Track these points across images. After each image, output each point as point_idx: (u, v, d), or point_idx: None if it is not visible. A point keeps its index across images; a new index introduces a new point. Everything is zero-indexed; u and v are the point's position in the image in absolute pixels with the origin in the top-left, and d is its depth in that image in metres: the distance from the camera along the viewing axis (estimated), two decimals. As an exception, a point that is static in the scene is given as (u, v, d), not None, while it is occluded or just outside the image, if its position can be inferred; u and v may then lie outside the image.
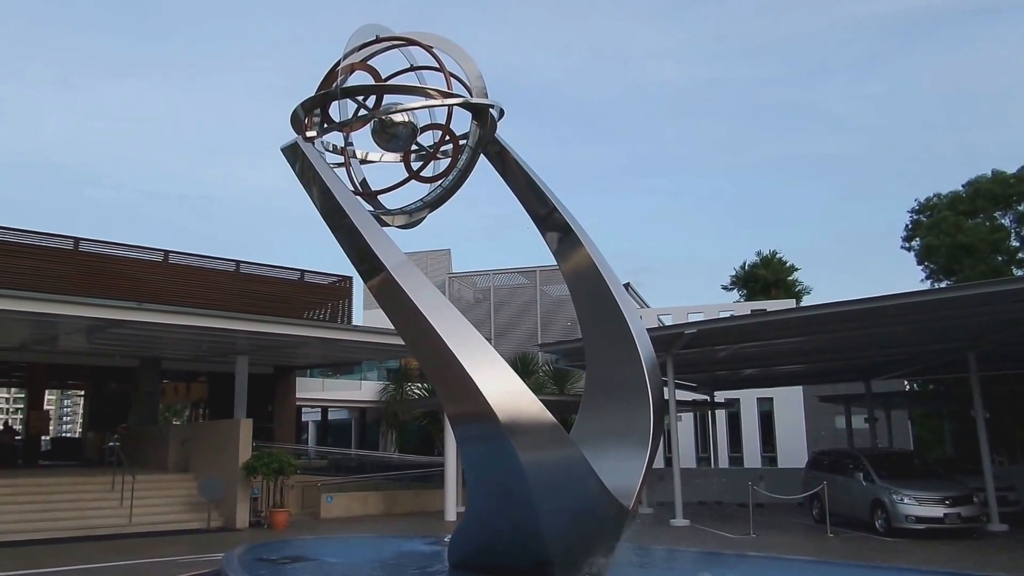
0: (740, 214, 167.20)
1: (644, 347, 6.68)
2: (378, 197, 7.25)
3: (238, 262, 25.30)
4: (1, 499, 16.42)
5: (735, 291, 48.84)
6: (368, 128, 6.95)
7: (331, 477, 23.92)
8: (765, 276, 47.09)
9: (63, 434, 70.20)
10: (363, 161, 7.59)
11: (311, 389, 32.05)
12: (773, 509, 21.73)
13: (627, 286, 44.20)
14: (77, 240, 22.18)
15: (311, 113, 6.82)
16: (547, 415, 5.52)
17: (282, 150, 6.62)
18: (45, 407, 34.36)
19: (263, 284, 25.52)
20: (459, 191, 7.20)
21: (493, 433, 5.35)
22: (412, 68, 7.36)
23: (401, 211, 7.08)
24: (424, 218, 7.38)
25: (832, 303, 17.06)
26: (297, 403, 29.97)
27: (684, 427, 36.57)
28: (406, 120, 6.80)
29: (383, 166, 7.75)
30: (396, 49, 7.33)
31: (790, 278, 47.84)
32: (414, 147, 7.29)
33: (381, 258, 5.75)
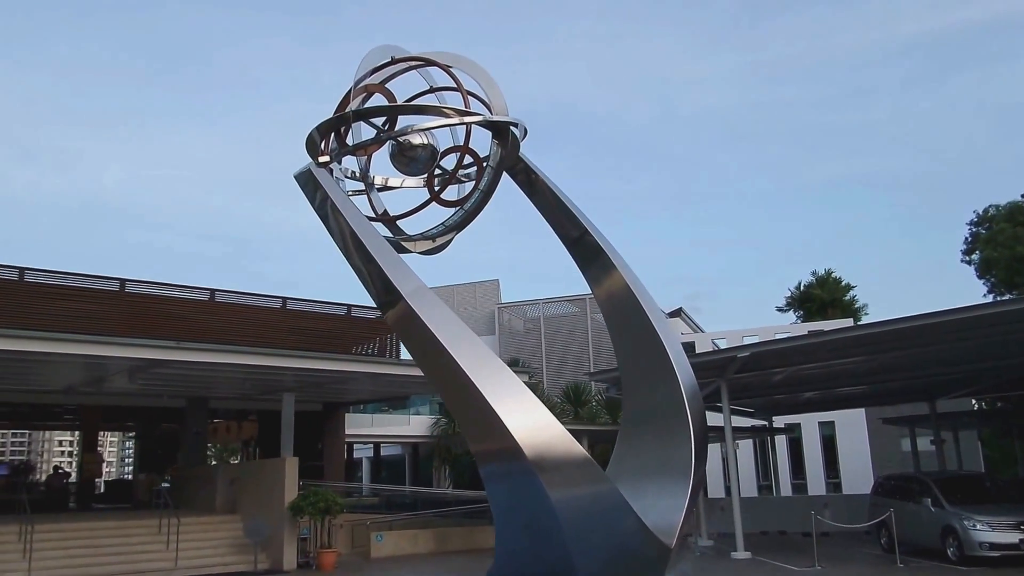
0: (795, 235, 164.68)
1: (684, 373, 6.24)
2: (400, 223, 6.99)
3: (284, 299, 25.38)
4: (49, 543, 16.41)
5: (791, 312, 47.78)
6: (389, 153, 6.75)
7: (381, 515, 23.61)
8: (821, 296, 45.96)
9: (123, 476, 71.25)
10: (384, 188, 7.34)
11: (361, 425, 31.92)
12: (839, 538, 20.83)
13: (679, 311, 43.53)
14: (123, 281, 22.43)
15: (325, 138, 6.59)
16: (578, 449, 5.14)
17: (295, 177, 6.39)
18: (99, 450, 34.78)
19: (310, 320, 25.53)
20: (484, 212, 6.90)
21: (520, 470, 4.98)
22: (432, 89, 7.12)
23: (423, 236, 6.79)
24: (448, 243, 7.09)
25: (888, 320, 16.38)
26: (347, 440, 29.83)
27: (744, 454, 35.61)
28: (424, 143, 6.53)
29: (411, 193, 7.49)
30: (415, 71, 7.11)
31: (846, 297, 46.61)
32: (437, 171, 7.04)
33: (396, 284, 5.45)
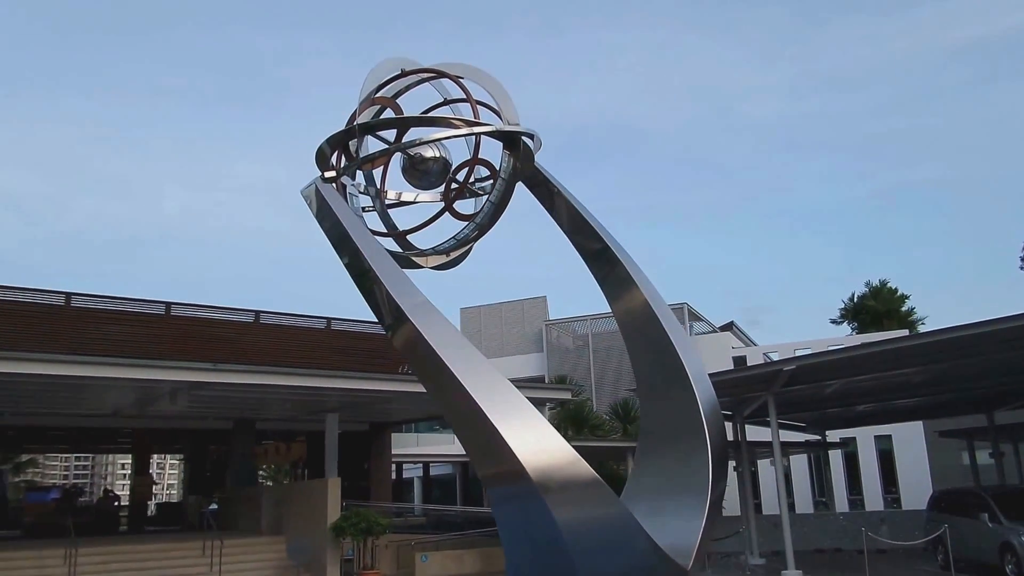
0: (851, 245, 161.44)
1: (702, 389, 5.98)
2: (414, 239, 6.85)
3: (329, 319, 25.48)
4: (93, 567, 16.59)
5: (845, 324, 46.69)
6: (401, 167, 6.64)
7: (426, 535, 23.45)
8: (875, 307, 44.84)
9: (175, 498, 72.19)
10: (398, 203, 7.21)
11: (406, 445, 31.90)
12: (896, 556, 20.11)
13: (731, 325, 42.83)
14: (169, 304, 22.73)
15: (336, 152, 6.48)
16: (586, 469, 4.92)
17: (301, 193, 6.30)
18: (151, 472, 35.28)
19: (356, 340, 25.57)
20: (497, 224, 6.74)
21: (525, 492, 4.77)
22: (446, 101, 6.98)
23: (434, 251, 6.64)
24: (462, 257, 6.94)
25: (941, 329, 15.77)
26: (395, 460, 29.80)
27: (799, 470, 34.75)
28: (436, 155, 6.39)
29: (430, 208, 7.34)
30: (429, 83, 6.98)
31: (902, 308, 45.39)
32: (455, 184, 6.89)
33: (397, 299, 5.29)
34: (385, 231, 6.79)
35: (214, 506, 24.71)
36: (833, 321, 47.62)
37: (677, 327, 6.41)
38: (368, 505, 21.17)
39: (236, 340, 22.99)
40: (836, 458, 31.52)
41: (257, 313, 24.06)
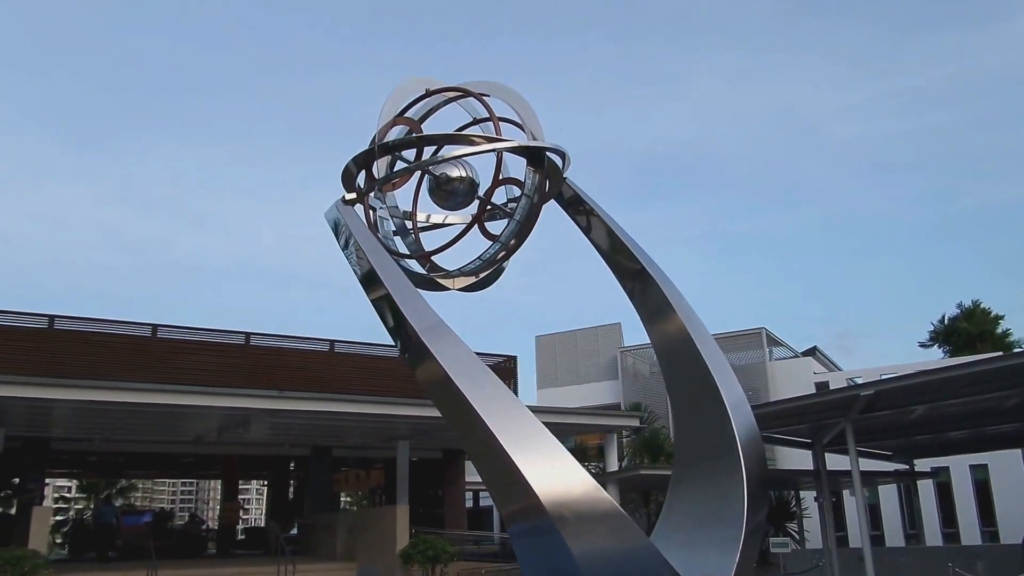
0: (942, 265, 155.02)
1: (740, 418, 5.56)
2: (442, 261, 6.63)
3: (400, 347, 25.51)
4: (170, 589, 16.82)
5: (936, 348, 44.49)
6: (428, 189, 6.45)
7: (499, 563, 23.10)
8: (968, 329, 42.60)
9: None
10: (431, 226, 7.00)
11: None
12: (992, 594, 18.76)
13: (814, 350, 41.38)
14: (248, 335, 23.15)
15: (363, 173, 6.33)
16: (606, 500, 4.59)
17: (325, 217, 6.15)
18: (240, 497, 35.94)
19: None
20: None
21: (541, 525, 4.46)
22: (475, 121, 6.77)
23: (460, 272, 6.39)
24: (492, 278, 6.67)
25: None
26: (470, 488, 29.57)
27: (888, 501, 33.14)
28: (462, 175, 6.16)
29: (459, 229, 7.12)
30: (456, 103, 6.79)
31: (997, 330, 42.99)
32: (489, 206, 6.66)
33: (410, 320, 5.06)
34: (407, 254, 6.59)
35: (293, 532, 24.91)
36: (922, 345, 45.50)
37: (715, 353, 5.97)
38: (439, 533, 20.97)
39: (311, 369, 23.23)
40: (928, 488, 29.89)
41: (332, 342, 24.28)
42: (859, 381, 32.05)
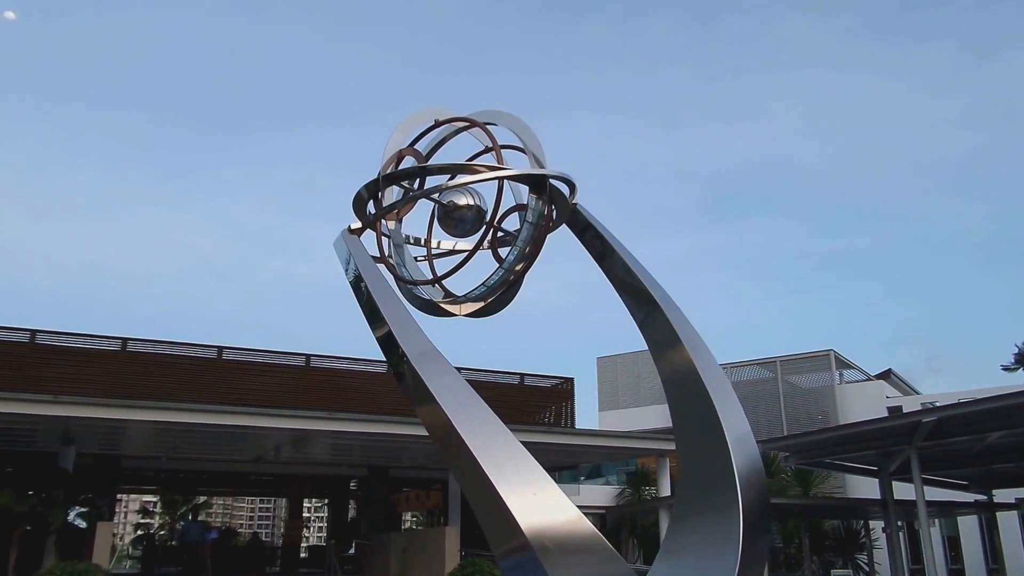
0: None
1: (742, 454, 5.44)
2: (452, 286, 6.73)
3: (459, 368, 25.72)
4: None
5: (1022, 371, 42.48)
6: (436, 217, 6.59)
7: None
8: (1056, 350, 40.55)
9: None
10: (442, 253, 7.13)
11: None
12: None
13: (888, 373, 40.16)
14: (308, 356, 23.69)
15: (374, 202, 6.50)
16: (589, 531, 4.62)
17: (334, 246, 6.34)
18: (304, 516, 36.56)
19: (483, 390, 25.63)
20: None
21: (524, 557, 4.49)
22: (488, 150, 6.89)
23: (466, 298, 6.48)
24: (502, 302, 6.72)
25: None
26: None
27: (969, 534, 31.81)
28: (469, 203, 6.27)
29: (481, 257, 7.23)
30: (467, 132, 6.93)
31: (1088, 353, 40.82)
32: (500, 233, 6.76)
33: (403, 347, 5.18)
34: (415, 280, 6.71)
35: (351, 551, 25.27)
36: (1006, 368, 43.46)
37: (721, 386, 5.84)
38: (491, 555, 20.97)
39: (370, 391, 23.63)
40: (1012, 520, 28.56)
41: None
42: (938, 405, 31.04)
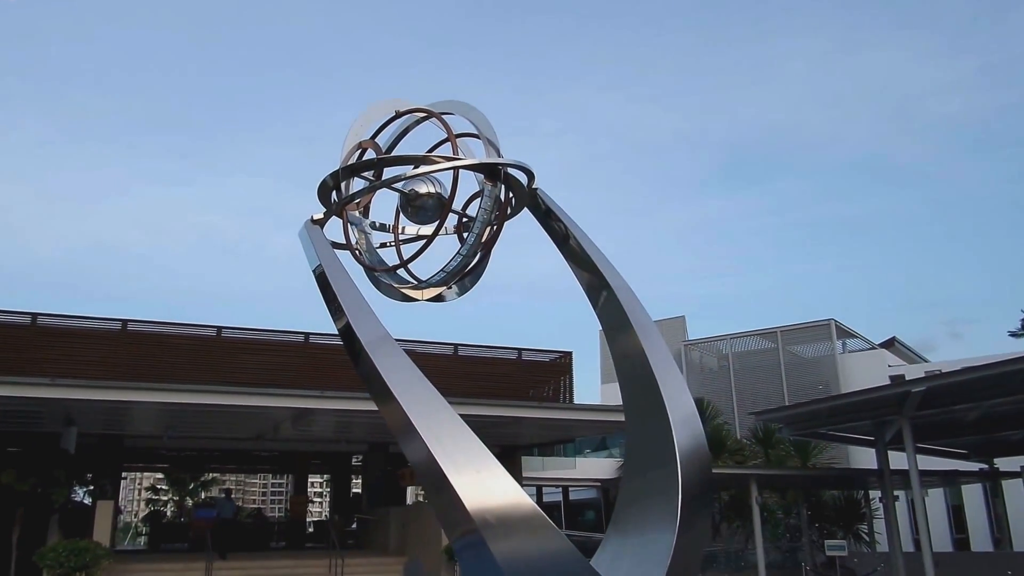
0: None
1: (684, 434, 5.71)
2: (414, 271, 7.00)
3: (456, 345, 26.06)
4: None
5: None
6: (399, 205, 6.86)
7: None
8: (1062, 318, 40.52)
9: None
10: (407, 239, 7.38)
11: (533, 468, 31.97)
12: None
13: (892, 341, 40.30)
14: (307, 335, 24.02)
15: (337, 193, 6.76)
16: (529, 506, 4.88)
17: (299, 236, 6.61)
18: (310, 492, 37.17)
19: (480, 366, 26.03)
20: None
21: (471, 535, 4.79)
22: (448, 139, 7.14)
23: (427, 284, 6.75)
24: (462, 289, 7.03)
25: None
26: (531, 483, 29.97)
27: (973, 504, 32.12)
28: (430, 191, 6.54)
29: (448, 241, 7.49)
30: (429, 121, 7.16)
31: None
32: (465, 218, 7.03)
33: (357, 332, 5.48)
34: (375, 266, 6.98)
35: (353, 526, 25.80)
36: (1012, 334, 43.47)
37: (667, 368, 6.11)
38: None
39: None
40: (1017, 488, 28.83)
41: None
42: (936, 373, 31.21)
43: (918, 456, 21.03)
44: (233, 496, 30.60)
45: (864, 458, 29.43)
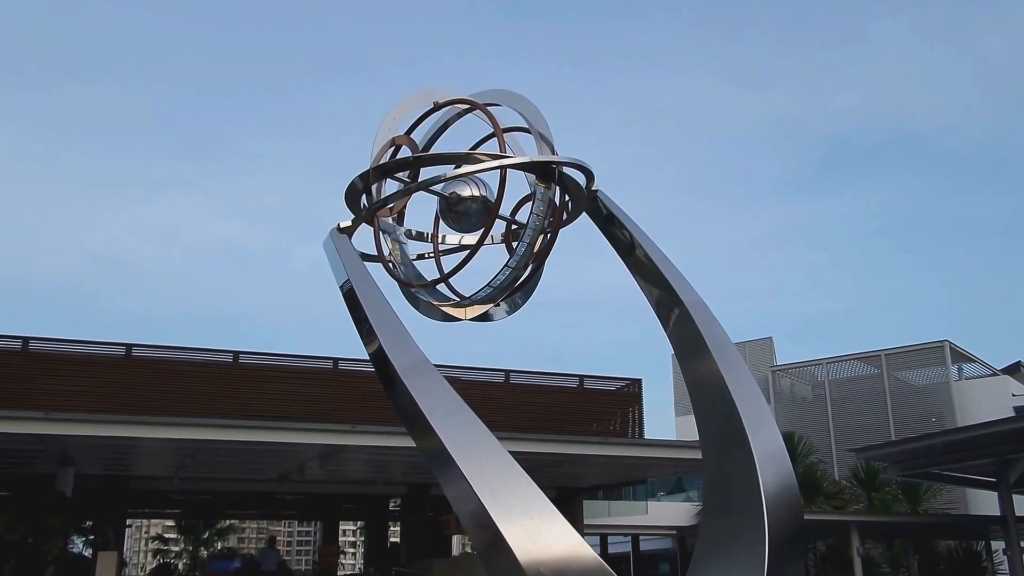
0: None
1: (770, 472, 5.62)
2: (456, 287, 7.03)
3: (507, 371, 26.08)
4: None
5: None
6: (439, 210, 6.92)
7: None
8: None
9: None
10: (448, 249, 7.42)
11: (597, 514, 31.75)
12: None
13: (1018, 366, 39.29)
14: (336, 360, 24.24)
15: (367, 196, 6.81)
16: (591, 559, 4.87)
17: (324, 247, 6.67)
18: (342, 541, 37.40)
19: (537, 395, 26.00)
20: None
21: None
22: (494, 133, 7.15)
23: (472, 301, 6.76)
24: (513, 307, 7.05)
25: None
26: (595, 531, 29.79)
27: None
28: (474, 194, 6.56)
29: (495, 252, 7.51)
30: (471, 114, 7.19)
31: None
32: (514, 225, 7.05)
33: (391, 357, 5.49)
34: (412, 282, 7.00)
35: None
36: None
37: (751, 398, 6.03)
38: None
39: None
40: None
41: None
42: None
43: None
44: (240, 548, 30.90)
45: (985, 503, 28.71)
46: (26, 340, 21.66)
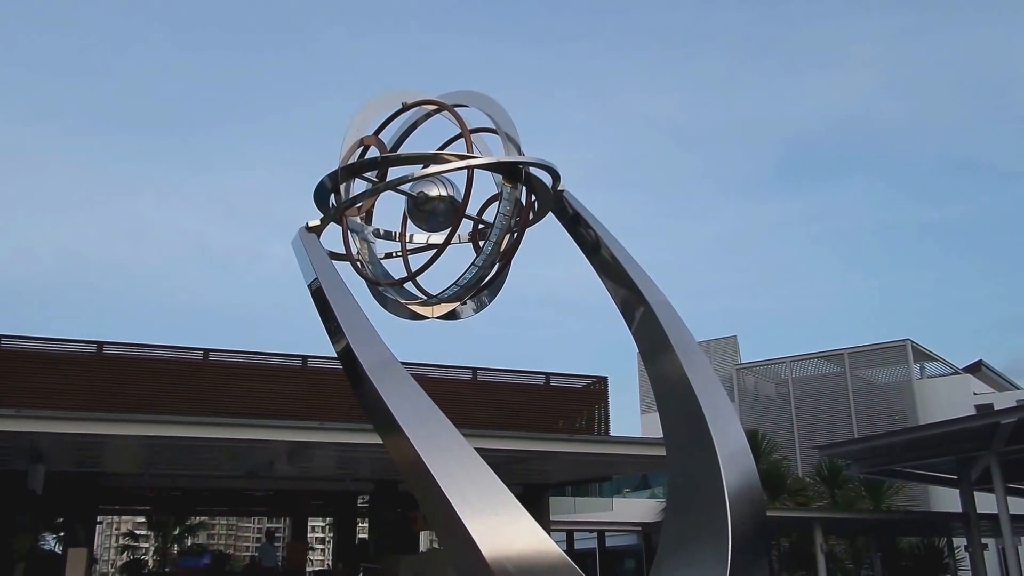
0: None
1: (733, 470, 5.67)
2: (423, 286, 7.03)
3: (474, 369, 26.04)
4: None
5: None
6: (406, 210, 6.91)
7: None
8: None
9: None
10: (416, 248, 7.42)
11: (564, 510, 31.84)
12: None
13: (979, 365, 39.87)
14: (305, 358, 24.09)
15: (335, 196, 6.80)
16: (555, 554, 4.90)
17: (292, 246, 6.64)
18: (310, 537, 37.22)
19: (503, 392, 25.98)
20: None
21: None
22: (461, 134, 7.16)
23: (437, 300, 6.77)
24: (472, 304, 7.07)
25: None
26: (561, 528, 29.84)
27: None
28: (441, 194, 6.57)
29: (462, 251, 7.51)
30: (439, 115, 7.20)
31: None
32: (482, 225, 7.06)
33: (358, 355, 5.50)
34: (379, 281, 7.01)
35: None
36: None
37: (715, 397, 6.07)
38: None
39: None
40: None
41: (395, 364, 24.96)
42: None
43: (1009, 498, 20.79)
44: (210, 544, 30.64)
45: (947, 500, 29.06)
46: (-5, 338, 21.44)
